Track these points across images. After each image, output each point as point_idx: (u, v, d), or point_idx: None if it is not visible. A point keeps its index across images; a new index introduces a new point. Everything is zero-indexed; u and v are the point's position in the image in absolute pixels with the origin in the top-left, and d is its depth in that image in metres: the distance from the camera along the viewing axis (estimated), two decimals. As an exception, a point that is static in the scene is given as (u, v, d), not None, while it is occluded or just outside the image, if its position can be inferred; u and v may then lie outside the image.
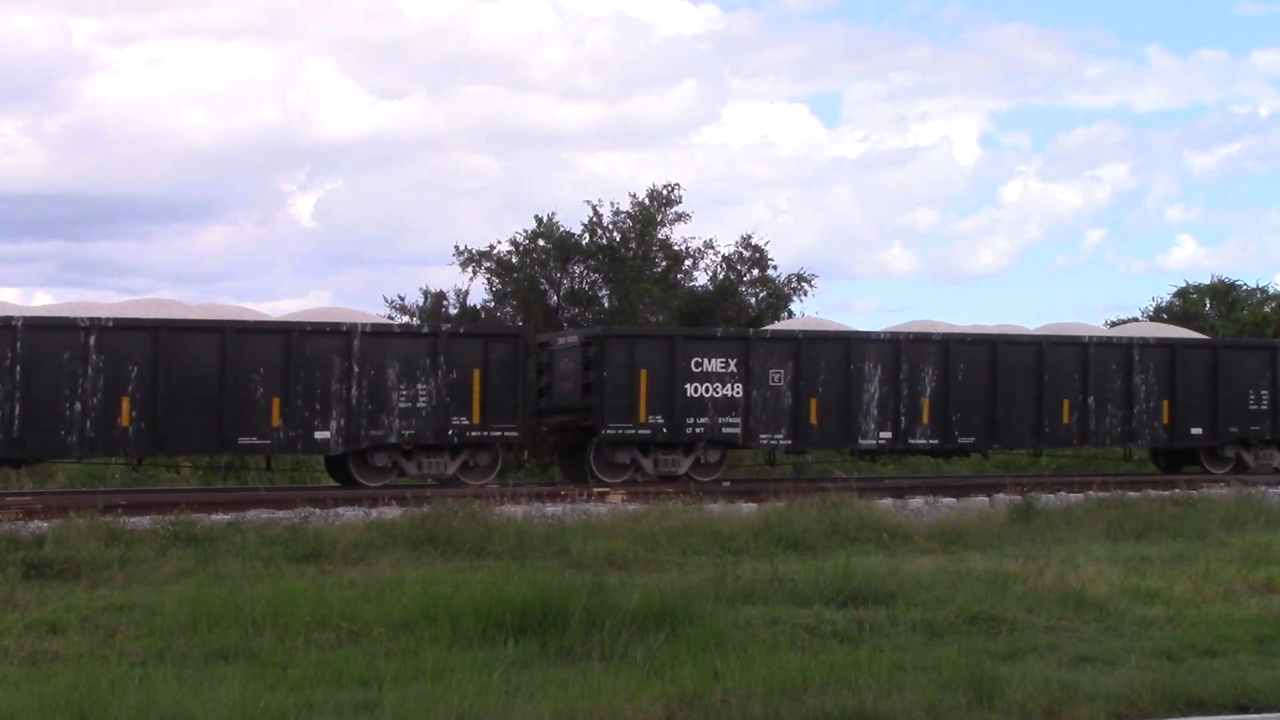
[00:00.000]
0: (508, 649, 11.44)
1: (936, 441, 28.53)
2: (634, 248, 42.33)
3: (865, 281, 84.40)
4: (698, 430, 26.71)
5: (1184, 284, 48.18)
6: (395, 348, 25.09)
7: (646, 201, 42.59)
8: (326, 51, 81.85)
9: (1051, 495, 24.56)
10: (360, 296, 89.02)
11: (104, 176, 77.68)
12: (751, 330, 29.77)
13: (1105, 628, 13.04)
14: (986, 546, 18.74)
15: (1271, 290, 48.31)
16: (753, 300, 42.84)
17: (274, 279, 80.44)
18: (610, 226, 42.59)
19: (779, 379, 27.22)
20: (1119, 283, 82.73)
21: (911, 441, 28.37)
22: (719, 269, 43.38)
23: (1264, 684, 10.61)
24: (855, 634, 12.46)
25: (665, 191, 42.65)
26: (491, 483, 25.27)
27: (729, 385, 26.89)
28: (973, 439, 28.85)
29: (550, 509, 21.40)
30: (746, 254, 43.28)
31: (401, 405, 24.93)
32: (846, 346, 27.95)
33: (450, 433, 25.27)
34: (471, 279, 42.61)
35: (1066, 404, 29.48)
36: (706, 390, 26.76)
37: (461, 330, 26.27)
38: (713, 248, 43.27)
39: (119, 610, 13.29)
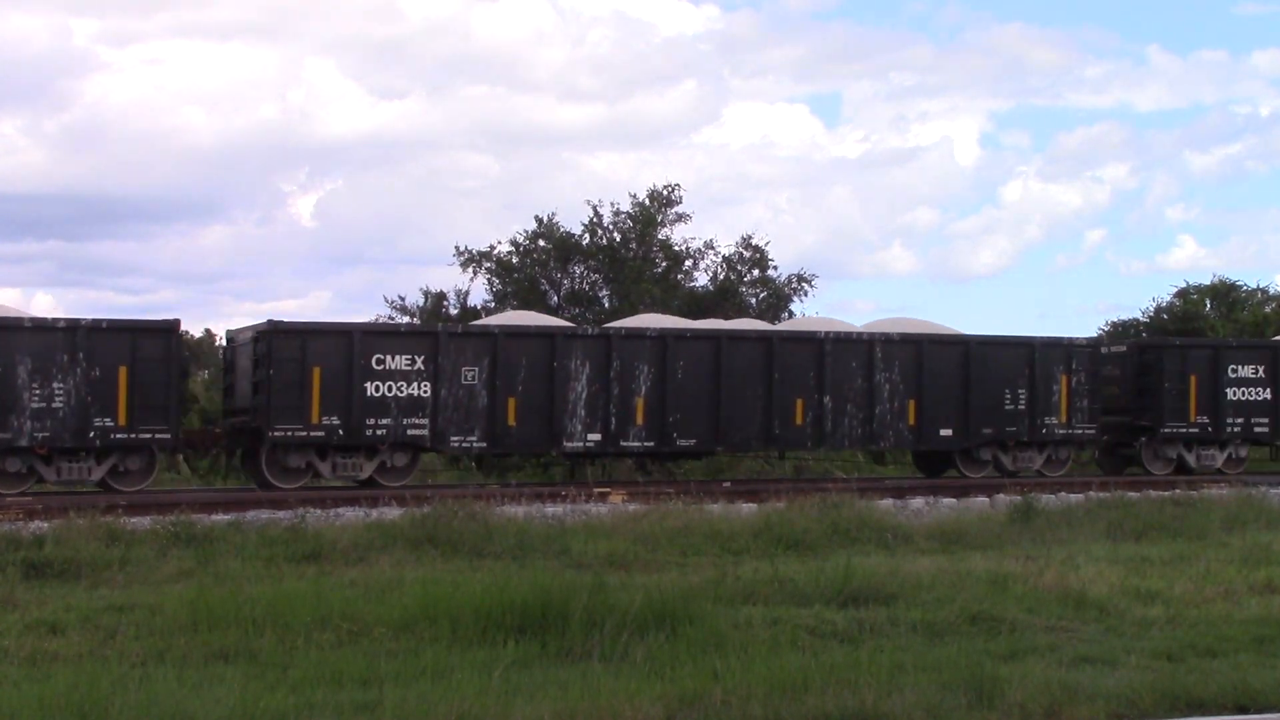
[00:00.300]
0: (508, 649, 11.43)
1: (652, 444, 26.91)
2: (634, 248, 42.40)
3: (865, 281, 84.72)
4: (379, 432, 25.15)
5: (1184, 284, 48.28)
6: (26, 343, 23.45)
7: (646, 202, 42.68)
8: (326, 51, 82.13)
9: (1051, 495, 24.62)
10: (360, 296, 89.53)
11: (104, 176, 77.90)
12: (441, 325, 28.32)
13: (1105, 628, 13.04)
14: (987, 547, 18.74)
15: (1272, 290, 48.44)
16: (753, 300, 42.89)
17: (274, 279, 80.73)
18: (610, 227, 42.69)
19: (472, 377, 25.69)
20: (1119, 283, 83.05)
21: (624, 444, 26.80)
22: (719, 269, 43.48)
23: (1264, 684, 10.60)
24: (855, 634, 12.47)
25: (665, 192, 42.76)
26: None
27: (415, 384, 25.35)
28: (693, 441, 27.19)
29: (550, 509, 21.44)
30: (747, 254, 43.38)
31: (34, 406, 23.29)
32: (550, 343, 26.35)
33: (92, 435, 23.64)
34: (472, 279, 42.80)
35: (800, 404, 27.73)
36: (390, 389, 25.20)
37: (104, 324, 24.06)
38: (713, 248, 43.41)
39: (119, 610, 13.29)
